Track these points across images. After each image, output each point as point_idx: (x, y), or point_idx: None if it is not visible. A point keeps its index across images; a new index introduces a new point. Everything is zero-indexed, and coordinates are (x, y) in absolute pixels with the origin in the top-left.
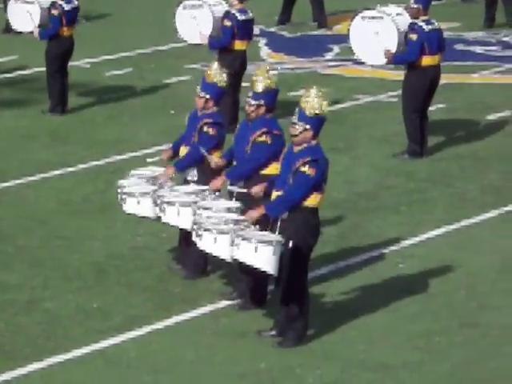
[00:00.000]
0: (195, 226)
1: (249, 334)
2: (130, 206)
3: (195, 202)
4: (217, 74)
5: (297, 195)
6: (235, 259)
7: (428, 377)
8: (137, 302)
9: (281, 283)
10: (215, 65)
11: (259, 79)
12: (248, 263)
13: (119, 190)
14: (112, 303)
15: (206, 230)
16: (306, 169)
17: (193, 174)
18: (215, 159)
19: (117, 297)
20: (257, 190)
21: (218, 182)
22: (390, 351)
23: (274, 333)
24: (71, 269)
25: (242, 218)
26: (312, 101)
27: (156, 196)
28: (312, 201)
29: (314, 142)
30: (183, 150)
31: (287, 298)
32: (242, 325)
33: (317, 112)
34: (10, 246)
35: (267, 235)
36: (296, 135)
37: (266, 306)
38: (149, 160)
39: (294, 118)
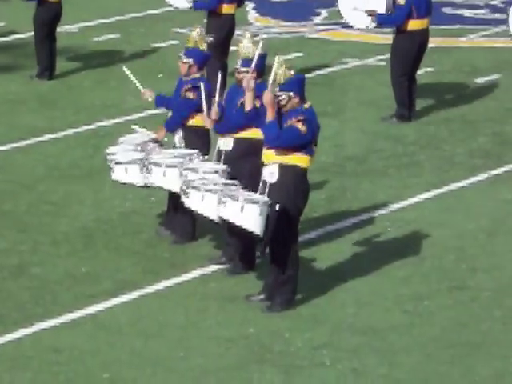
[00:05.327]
0: (183, 185)
1: (238, 298)
2: (119, 175)
3: (182, 164)
4: (200, 38)
5: (284, 138)
6: (222, 218)
7: (417, 340)
8: (126, 267)
9: (270, 247)
10: (198, 29)
11: (247, 45)
12: (234, 222)
13: (108, 158)
14: (101, 268)
15: (193, 187)
16: (299, 125)
17: (180, 141)
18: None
19: (105, 261)
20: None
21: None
22: (379, 315)
23: (262, 297)
24: (59, 234)
25: (230, 181)
26: (281, 70)
27: (144, 161)
28: (302, 161)
29: (305, 106)
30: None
31: (277, 262)
32: (231, 289)
33: (291, 76)
34: None
35: (254, 195)
36: (284, 105)
37: (254, 270)
38: (135, 127)
39: (277, 91)
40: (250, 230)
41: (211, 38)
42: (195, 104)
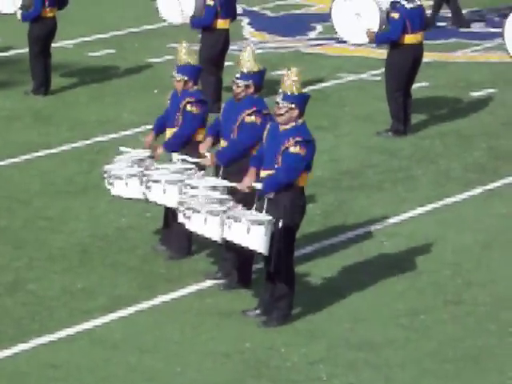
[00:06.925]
0: (182, 208)
1: (234, 313)
2: (119, 189)
3: (181, 181)
4: (188, 53)
5: (291, 177)
6: (225, 240)
7: (413, 354)
8: (122, 283)
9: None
10: (183, 45)
11: (247, 60)
12: (240, 244)
13: (106, 175)
14: (97, 284)
15: (195, 211)
16: (297, 149)
17: (177, 155)
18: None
19: (101, 277)
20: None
21: (207, 161)
22: (376, 329)
23: (258, 312)
24: (55, 250)
25: (227, 196)
26: (294, 80)
27: (143, 176)
28: (301, 180)
29: (300, 121)
30: (170, 132)
31: (274, 278)
32: (227, 304)
33: (300, 90)
34: None
35: (258, 215)
36: (282, 114)
37: (250, 285)
38: (122, 148)
39: (279, 98)
40: (255, 250)
41: (197, 48)
42: (201, 119)
